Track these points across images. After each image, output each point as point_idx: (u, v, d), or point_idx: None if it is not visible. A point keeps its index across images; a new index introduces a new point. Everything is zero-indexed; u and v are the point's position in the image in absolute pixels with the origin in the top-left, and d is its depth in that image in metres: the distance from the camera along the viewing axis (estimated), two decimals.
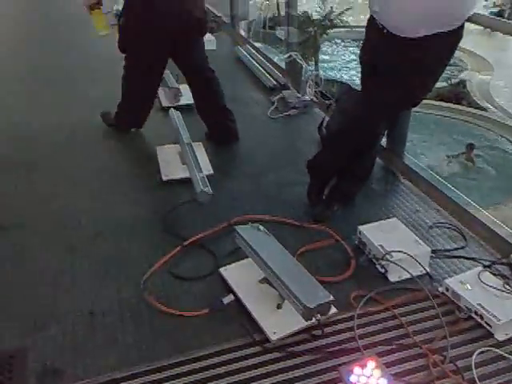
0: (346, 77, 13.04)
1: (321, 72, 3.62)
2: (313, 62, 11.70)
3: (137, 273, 1.79)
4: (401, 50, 1.79)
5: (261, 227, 1.80)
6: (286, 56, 3.52)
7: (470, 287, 1.64)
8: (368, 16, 1.93)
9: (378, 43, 1.88)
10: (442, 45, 1.77)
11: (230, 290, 1.68)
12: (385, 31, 1.79)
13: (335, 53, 15.79)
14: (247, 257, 1.74)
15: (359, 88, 2.21)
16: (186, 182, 2.31)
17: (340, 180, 2.20)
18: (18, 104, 3.34)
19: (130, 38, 2.49)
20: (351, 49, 15.67)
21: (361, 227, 1.93)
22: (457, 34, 1.78)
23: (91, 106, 3.21)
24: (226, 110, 2.77)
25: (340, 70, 14.00)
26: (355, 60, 15.09)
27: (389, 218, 2.08)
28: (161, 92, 3.34)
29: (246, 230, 1.75)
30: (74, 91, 3.56)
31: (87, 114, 3.14)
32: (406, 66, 1.81)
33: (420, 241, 1.87)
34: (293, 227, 2.08)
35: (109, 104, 2.94)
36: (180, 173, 2.42)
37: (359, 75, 2.14)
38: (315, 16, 12.05)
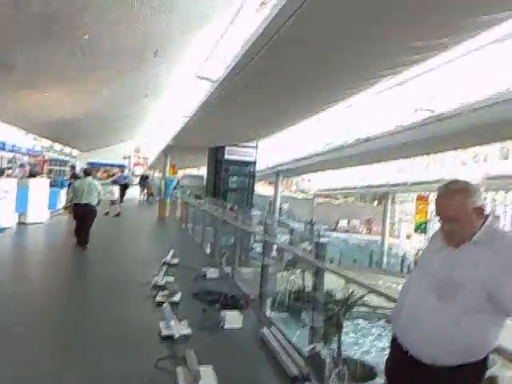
0: (369, 357, 12.58)
1: (343, 364, 3.51)
2: (336, 339, 11.51)
3: None
4: (423, 374, 1.73)
5: None
6: (310, 347, 3.48)
7: None
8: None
9: (402, 362, 1.81)
10: (469, 373, 1.71)
11: None
12: (409, 354, 1.76)
13: (359, 331, 15.70)
14: None
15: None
16: None
17: None
18: None
19: None
20: (374, 329, 15.64)
21: None
22: (482, 364, 1.74)
23: None
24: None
25: (365, 351, 13.61)
26: (378, 339, 14.81)
27: None
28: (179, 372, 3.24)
29: None
30: None
31: None
32: None
33: None
34: None
35: None
36: None
37: (382, 356, 2.04)
38: (339, 295, 12.46)
